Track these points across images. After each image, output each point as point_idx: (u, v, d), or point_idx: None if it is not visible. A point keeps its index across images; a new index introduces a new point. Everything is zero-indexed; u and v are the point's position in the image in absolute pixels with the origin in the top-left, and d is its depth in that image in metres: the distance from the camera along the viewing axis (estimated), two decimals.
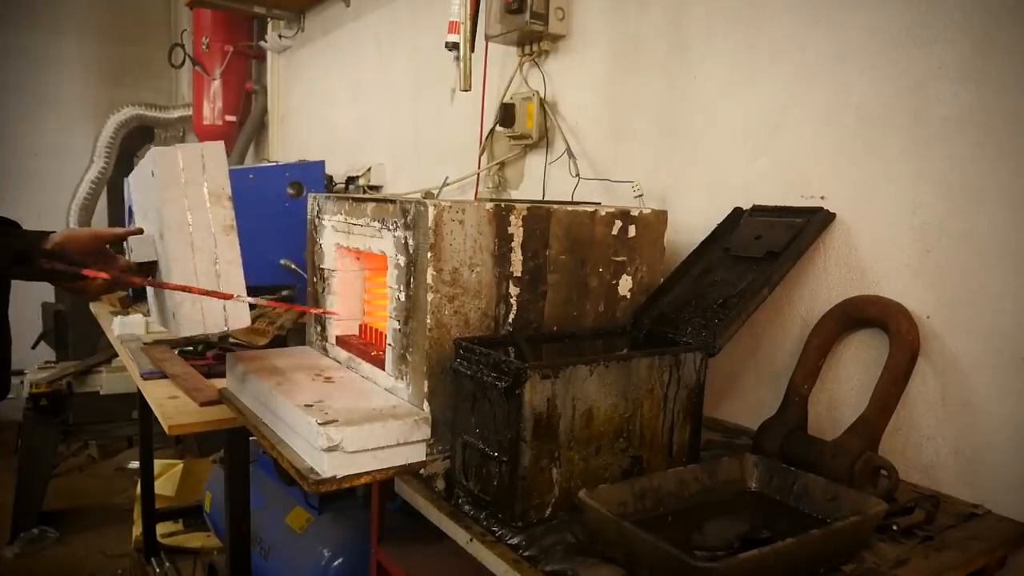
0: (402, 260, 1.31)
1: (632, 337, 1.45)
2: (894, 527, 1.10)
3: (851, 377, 1.44)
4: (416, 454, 1.25)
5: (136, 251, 1.40)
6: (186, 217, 1.29)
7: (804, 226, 1.42)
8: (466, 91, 2.30)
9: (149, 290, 1.56)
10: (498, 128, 2.36)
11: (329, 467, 1.17)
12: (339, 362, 1.59)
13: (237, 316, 1.35)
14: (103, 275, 1.28)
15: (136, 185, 1.62)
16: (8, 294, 1.37)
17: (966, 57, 1.27)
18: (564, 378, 1.09)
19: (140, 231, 1.44)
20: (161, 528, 3.38)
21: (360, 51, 3.55)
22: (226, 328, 1.33)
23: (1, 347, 1.37)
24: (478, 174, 2.53)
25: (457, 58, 2.28)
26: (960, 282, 1.28)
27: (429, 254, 1.24)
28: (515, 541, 1.06)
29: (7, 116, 5.50)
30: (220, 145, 1.34)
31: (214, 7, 4.40)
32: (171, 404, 1.82)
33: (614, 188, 1.99)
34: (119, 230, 1.42)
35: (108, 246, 1.37)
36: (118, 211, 5.14)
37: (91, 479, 4.34)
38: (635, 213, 1.48)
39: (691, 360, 1.24)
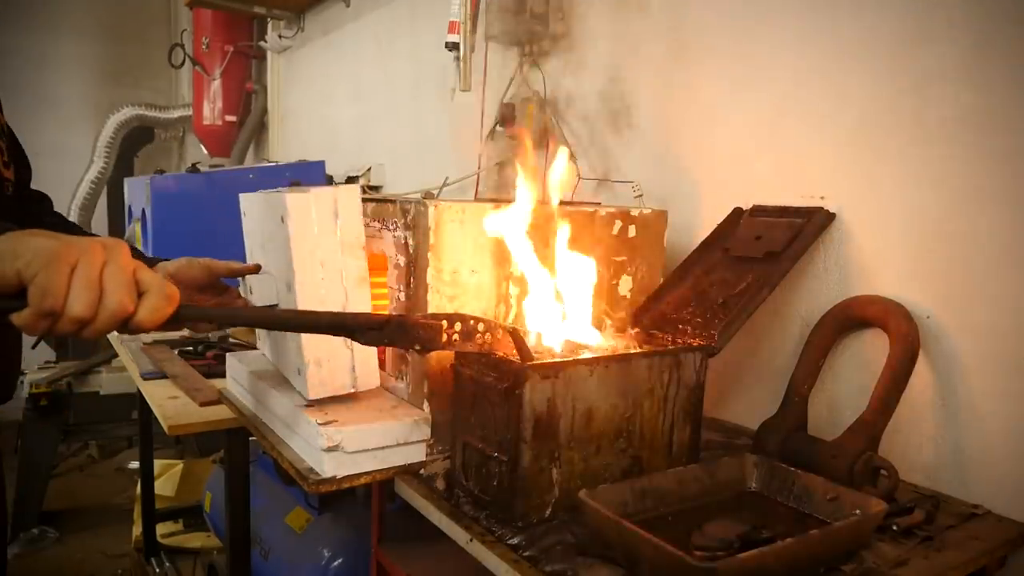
0: (402, 260, 1.31)
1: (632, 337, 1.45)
2: (894, 527, 1.09)
3: (851, 377, 1.44)
4: (416, 454, 1.25)
5: (257, 293, 1.32)
6: (318, 269, 1.22)
7: (804, 226, 1.42)
8: (466, 91, 2.30)
9: (269, 332, 1.48)
10: (498, 128, 2.36)
11: (329, 467, 1.17)
12: None
13: (367, 376, 1.29)
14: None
15: (249, 215, 1.55)
16: None
17: (966, 57, 1.27)
18: (564, 378, 1.09)
19: (257, 268, 1.36)
20: (161, 528, 3.38)
21: (360, 51, 3.55)
22: (353, 389, 1.28)
23: (12, 351, 1.37)
24: (478, 174, 2.53)
25: (457, 58, 2.28)
26: (960, 282, 1.28)
27: (429, 254, 1.24)
28: (515, 541, 1.06)
29: (7, 116, 5.50)
30: (355, 190, 1.26)
31: (214, 7, 4.41)
32: (171, 404, 1.82)
33: (614, 188, 1.99)
34: (235, 265, 1.34)
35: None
36: (118, 211, 5.14)
37: (91, 479, 4.35)
38: (635, 213, 1.48)
39: (691, 360, 1.24)
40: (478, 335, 1.05)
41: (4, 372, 1.31)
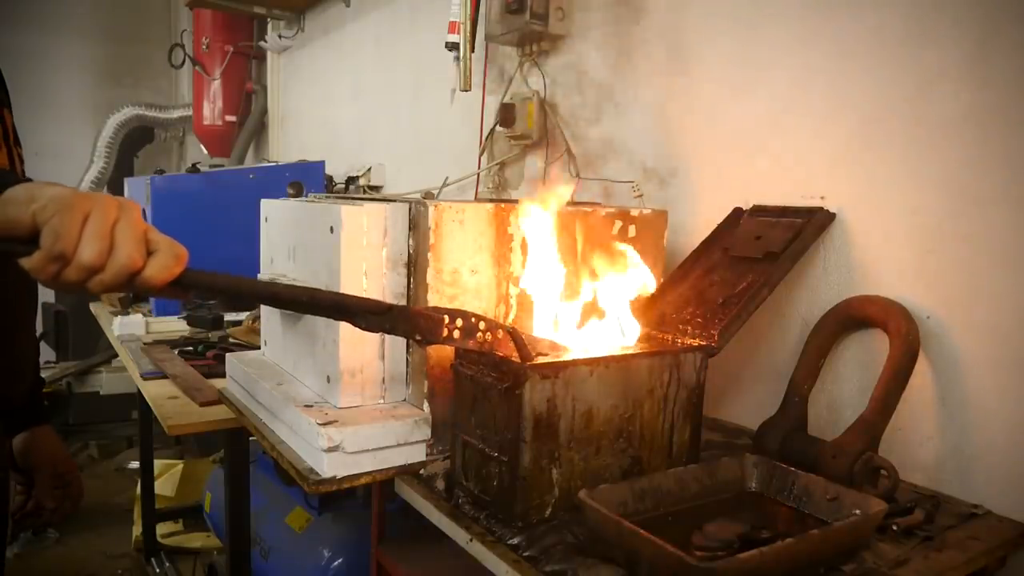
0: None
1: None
2: (894, 527, 1.09)
3: (851, 377, 1.44)
4: (416, 454, 1.25)
5: None
6: (362, 281, 1.26)
7: (804, 226, 1.42)
8: (466, 91, 2.30)
9: (287, 333, 1.49)
10: (498, 128, 2.36)
11: (329, 467, 1.17)
12: None
13: (395, 389, 1.31)
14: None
15: (273, 221, 1.56)
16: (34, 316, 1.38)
17: (967, 58, 1.26)
18: (564, 378, 1.09)
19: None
20: (161, 528, 3.38)
21: (360, 51, 3.55)
22: (382, 402, 1.30)
23: (28, 360, 1.37)
24: (478, 174, 2.53)
25: (457, 58, 2.28)
26: (960, 282, 1.28)
27: (429, 254, 1.24)
28: (515, 541, 1.06)
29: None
30: (404, 209, 1.30)
31: (214, 7, 4.41)
32: (171, 404, 1.82)
33: (614, 188, 1.99)
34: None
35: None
36: None
37: (91, 479, 4.33)
38: (635, 213, 1.48)
39: (691, 360, 1.24)
40: (479, 333, 1.06)
41: (11, 375, 1.31)
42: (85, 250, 0.70)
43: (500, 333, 1.07)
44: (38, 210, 0.69)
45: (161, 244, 0.76)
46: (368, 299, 1.01)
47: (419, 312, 1.04)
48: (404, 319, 1.01)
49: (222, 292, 0.85)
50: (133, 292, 0.76)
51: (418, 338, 1.04)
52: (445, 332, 1.04)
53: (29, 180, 0.76)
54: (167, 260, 0.75)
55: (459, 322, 1.05)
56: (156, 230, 0.76)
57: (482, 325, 1.06)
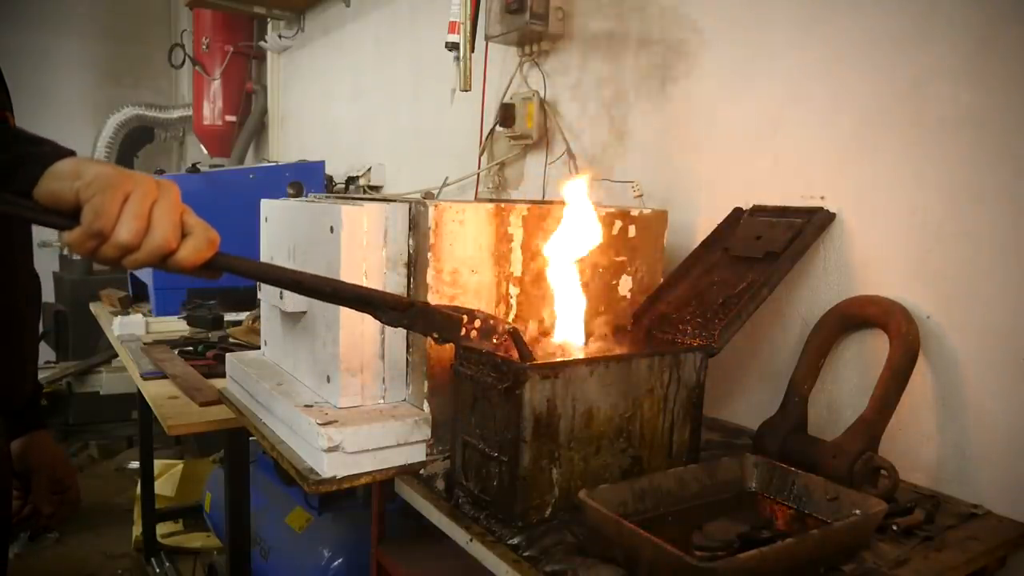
0: None
1: (632, 337, 1.45)
2: (894, 527, 1.10)
3: (851, 377, 1.44)
4: (416, 454, 1.25)
5: (288, 297, 1.36)
6: (361, 282, 1.25)
7: (804, 226, 1.42)
8: (466, 91, 2.30)
9: (287, 333, 1.48)
10: (498, 128, 2.36)
11: (329, 467, 1.17)
12: None
13: (395, 390, 1.31)
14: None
15: (273, 221, 1.55)
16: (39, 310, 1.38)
17: (966, 58, 1.27)
18: (564, 378, 1.09)
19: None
20: (161, 528, 3.38)
21: (360, 51, 3.55)
22: (382, 400, 1.29)
23: (27, 360, 1.37)
24: (478, 174, 2.53)
25: (457, 58, 2.28)
26: (960, 282, 1.28)
27: (429, 254, 1.24)
28: (515, 541, 1.06)
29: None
30: (404, 209, 1.29)
31: (214, 7, 4.41)
32: (171, 404, 1.82)
33: (614, 188, 1.99)
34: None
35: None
36: None
37: (91, 479, 4.33)
38: (635, 213, 1.48)
39: (691, 360, 1.24)
40: (495, 335, 1.06)
41: (15, 377, 1.31)
42: (122, 230, 0.72)
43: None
44: (81, 187, 0.72)
45: (196, 228, 0.78)
46: (390, 293, 1.01)
47: (439, 310, 1.04)
48: (424, 316, 1.01)
49: (250, 276, 0.88)
50: (166, 271, 0.78)
51: (435, 336, 1.04)
52: (463, 332, 1.04)
53: (73, 153, 0.78)
54: (200, 244, 0.77)
55: (477, 323, 1.05)
56: (192, 212, 0.79)
57: (500, 328, 1.07)
